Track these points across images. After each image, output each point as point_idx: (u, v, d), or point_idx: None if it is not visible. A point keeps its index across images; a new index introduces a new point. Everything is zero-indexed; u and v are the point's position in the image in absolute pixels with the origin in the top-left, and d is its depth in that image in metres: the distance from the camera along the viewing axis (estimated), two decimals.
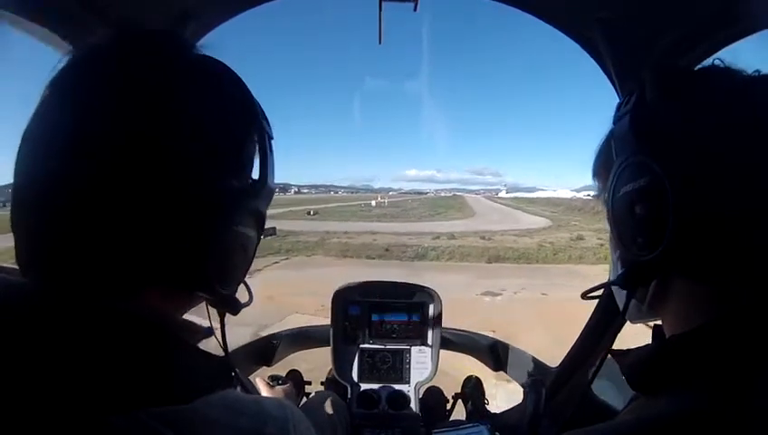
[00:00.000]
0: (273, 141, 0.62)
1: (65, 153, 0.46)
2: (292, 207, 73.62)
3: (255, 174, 0.61)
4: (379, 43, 1.46)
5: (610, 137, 0.66)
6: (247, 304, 0.66)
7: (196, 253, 0.51)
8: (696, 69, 0.61)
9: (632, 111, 0.60)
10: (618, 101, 1.15)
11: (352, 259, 21.08)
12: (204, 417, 0.46)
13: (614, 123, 0.65)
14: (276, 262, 19.93)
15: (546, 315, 10.64)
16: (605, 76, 1.26)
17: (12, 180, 0.49)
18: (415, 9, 1.30)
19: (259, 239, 0.64)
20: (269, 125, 0.62)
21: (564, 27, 1.25)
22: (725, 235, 0.52)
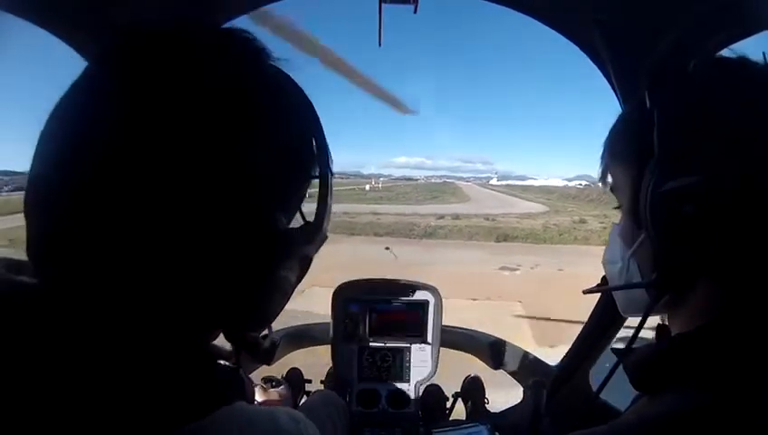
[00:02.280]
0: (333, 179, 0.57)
1: (99, 162, 0.41)
2: None
3: (310, 216, 0.55)
4: (379, 45, 1.46)
5: (643, 123, 0.57)
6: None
7: (234, 293, 0.47)
8: (736, 58, 0.56)
9: (679, 99, 0.55)
10: (616, 102, 1.17)
11: (360, 236, 21.22)
12: (217, 434, 0.43)
13: (651, 108, 0.57)
14: None
15: (568, 288, 10.82)
16: (602, 76, 1.22)
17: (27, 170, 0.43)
18: (415, 11, 1.28)
19: (298, 283, 0.58)
20: (332, 161, 0.56)
21: (562, 29, 1.23)
22: (757, 237, 0.50)
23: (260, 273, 0.47)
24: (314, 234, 0.54)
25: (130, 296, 0.42)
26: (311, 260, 0.57)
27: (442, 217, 30.17)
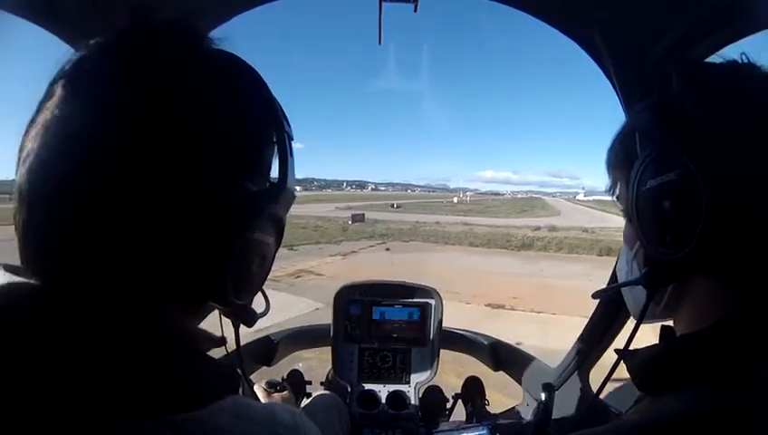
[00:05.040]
0: (293, 142, 0.58)
1: (75, 151, 0.43)
2: (372, 201, 75.43)
3: (274, 177, 0.56)
4: (379, 43, 1.48)
5: (631, 128, 0.62)
6: (263, 315, 0.62)
7: (210, 261, 0.48)
8: (722, 63, 0.58)
9: (659, 103, 0.58)
10: (616, 100, 1.21)
11: (454, 246, 21.08)
12: (214, 425, 0.44)
13: (636, 115, 0.63)
14: (371, 245, 20.36)
15: None
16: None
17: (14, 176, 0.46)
18: (415, 10, 1.30)
19: (278, 247, 0.60)
20: (289, 125, 0.58)
21: (563, 28, 1.23)
22: (755, 233, 0.50)
23: (234, 236, 0.49)
24: (279, 193, 0.56)
25: (115, 281, 0.44)
26: (282, 221, 0.59)
27: (538, 228, 29.29)
